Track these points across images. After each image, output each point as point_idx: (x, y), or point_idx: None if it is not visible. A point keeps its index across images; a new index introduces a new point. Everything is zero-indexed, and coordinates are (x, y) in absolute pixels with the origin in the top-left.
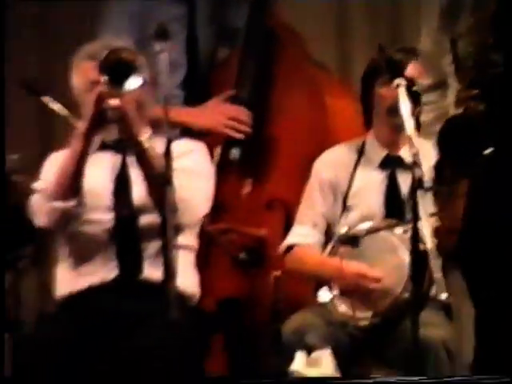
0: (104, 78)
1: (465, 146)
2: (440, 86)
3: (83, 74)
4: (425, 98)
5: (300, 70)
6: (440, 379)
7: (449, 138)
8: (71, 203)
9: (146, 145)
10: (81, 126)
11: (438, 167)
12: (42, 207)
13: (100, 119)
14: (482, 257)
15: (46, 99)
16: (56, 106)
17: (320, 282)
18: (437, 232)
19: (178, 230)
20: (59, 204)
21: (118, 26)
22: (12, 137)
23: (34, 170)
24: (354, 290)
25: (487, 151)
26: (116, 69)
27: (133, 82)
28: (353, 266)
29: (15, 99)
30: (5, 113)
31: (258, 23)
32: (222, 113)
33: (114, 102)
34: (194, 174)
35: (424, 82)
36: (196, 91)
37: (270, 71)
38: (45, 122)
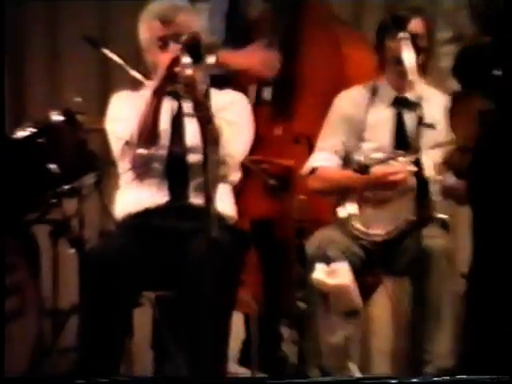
0: (183, 52)
1: (476, 69)
2: (458, 39)
3: (150, 31)
4: (445, 49)
5: (324, 23)
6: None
7: (462, 64)
8: (151, 150)
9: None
10: (154, 83)
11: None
12: (125, 153)
13: (170, 80)
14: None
15: (106, 51)
16: (114, 57)
17: (340, 198)
18: (449, 152)
19: (220, 166)
20: (142, 151)
21: None
22: (76, 83)
23: (94, 110)
24: (375, 201)
25: (496, 72)
26: (194, 46)
27: (208, 59)
28: (377, 170)
29: (79, 51)
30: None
31: None
32: (257, 56)
33: (188, 71)
34: (236, 126)
35: (444, 35)
36: (235, 38)
37: (299, 23)
38: (104, 70)
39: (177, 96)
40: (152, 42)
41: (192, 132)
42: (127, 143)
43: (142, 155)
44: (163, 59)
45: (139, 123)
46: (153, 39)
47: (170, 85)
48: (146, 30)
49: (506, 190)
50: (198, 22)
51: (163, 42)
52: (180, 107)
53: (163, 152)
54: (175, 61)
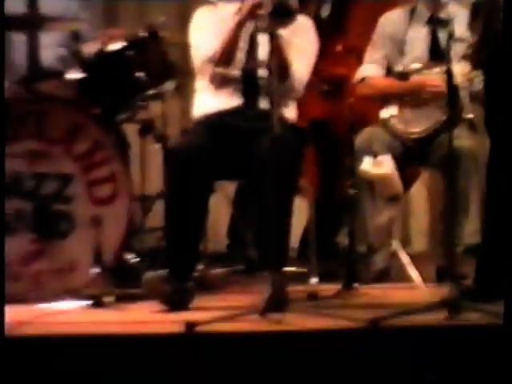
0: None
1: None
2: None
3: None
4: None
5: None
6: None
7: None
8: (230, 70)
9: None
10: (238, 18)
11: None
12: (205, 69)
13: (251, 18)
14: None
15: None
16: None
17: (384, 102)
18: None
19: (286, 82)
20: (220, 70)
21: None
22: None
23: (175, 28)
24: (413, 104)
25: None
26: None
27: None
28: (415, 78)
29: None
30: None
31: None
32: None
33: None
34: (303, 51)
35: None
36: None
37: None
38: None
39: (255, 18)
40: None
41: (264, 48)
42: (208, 60)
43: (221, 73)
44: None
45: (221, 47)
46: None
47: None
48: None
49: None
50: None
51: None
52: (256, 27)
53: (239, 65)
54: (258, 7)
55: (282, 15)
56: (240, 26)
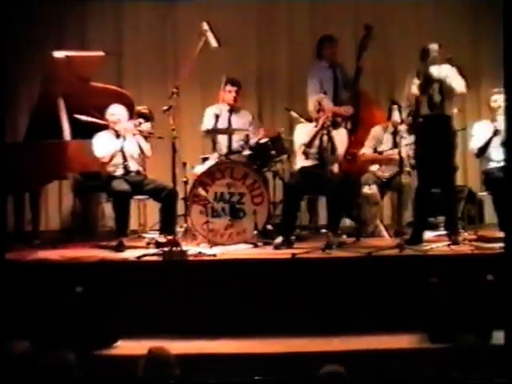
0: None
1: None
2: None
3: (314, 105)
4: None
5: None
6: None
7: None
8: (311, 149)
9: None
10: (317, 124)
11: None
12: (302, 150)
13: (323, 127)
14: None
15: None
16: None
17: (373, 162)
18: None
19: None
20: (308, 149)
21: None
22: None
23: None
24: (385, 163)
25: None
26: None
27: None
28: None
29: None
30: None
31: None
32: (346, 108)
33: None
34: (341, 142)
35: None
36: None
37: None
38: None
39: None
40: (315, 109)
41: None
42: (303, 145)
43: (307, 150)
44: (322, 116)
45: (310, 140)
46: (316, 108)
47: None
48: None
49: None
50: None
51: (320, 108)
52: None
53: (316, 146)
54: (327, 119)
55: (334, 125)
56: (319, 131)
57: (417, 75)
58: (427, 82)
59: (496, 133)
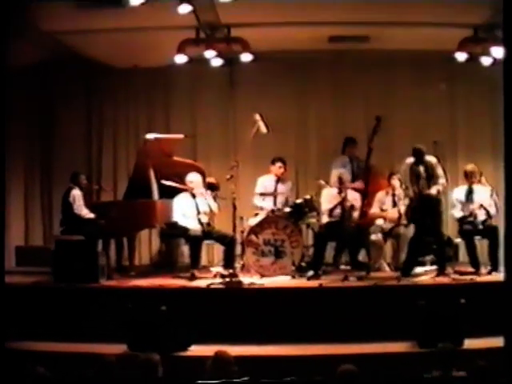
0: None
1: None
2: None
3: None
4: None
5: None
6: None
7: None
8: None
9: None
10: (343, 194)
11: None
12: (327, 211)
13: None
14: None
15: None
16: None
17: (378, 217)
18: None
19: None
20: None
21: None
22: None
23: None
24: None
25: None
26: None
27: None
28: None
29: None
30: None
31: None
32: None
33: None
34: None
35: None
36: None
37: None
38: None
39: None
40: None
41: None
42: (328, 210)
43: (330, 209)
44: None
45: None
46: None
47: None
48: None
49: None
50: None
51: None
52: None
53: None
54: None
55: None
56: (343, 197)
57: (410, 168)
58: (417, 176)
59: (470, 192)
